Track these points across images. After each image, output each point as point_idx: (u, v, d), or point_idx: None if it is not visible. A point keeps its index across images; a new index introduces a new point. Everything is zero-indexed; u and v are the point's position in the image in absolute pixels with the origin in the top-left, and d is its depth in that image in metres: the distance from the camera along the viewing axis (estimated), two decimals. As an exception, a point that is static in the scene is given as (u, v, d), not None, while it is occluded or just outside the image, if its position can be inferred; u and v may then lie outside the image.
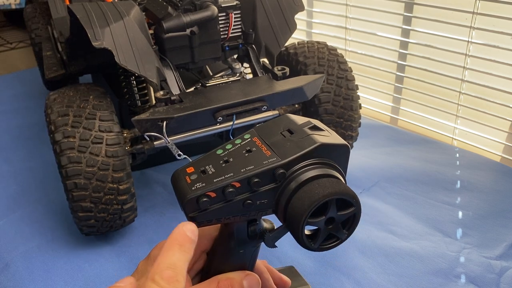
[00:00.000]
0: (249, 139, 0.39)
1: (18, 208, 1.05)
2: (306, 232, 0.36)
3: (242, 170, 0.35)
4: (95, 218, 0.84)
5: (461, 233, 0.91)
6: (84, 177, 0.79)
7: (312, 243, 0.36)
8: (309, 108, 1.02)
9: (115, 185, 0.82)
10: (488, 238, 0.89)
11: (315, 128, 0.38)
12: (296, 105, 1.03)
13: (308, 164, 0.36)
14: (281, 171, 0.35)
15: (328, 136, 0.37)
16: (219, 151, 0.38)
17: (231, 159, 0.37)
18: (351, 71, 1.04)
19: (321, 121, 0.98)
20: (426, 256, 0.84)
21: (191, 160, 0.39)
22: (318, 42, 1.08)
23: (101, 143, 0.80)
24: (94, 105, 0.83)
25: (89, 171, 0.79)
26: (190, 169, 0.37)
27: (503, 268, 0.82)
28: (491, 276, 0.80)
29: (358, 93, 1.04)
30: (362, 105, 1.07)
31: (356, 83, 1.04)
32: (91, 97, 0.85)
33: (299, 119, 0.39)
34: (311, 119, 0.39)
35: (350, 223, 0.37)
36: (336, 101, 1.00)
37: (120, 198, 0.83)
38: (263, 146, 0.38)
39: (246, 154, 0.37)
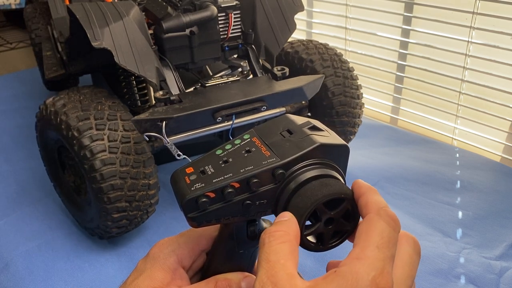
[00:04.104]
0: (249, 139, 0.39)
1: (18, 208, 1.05)
2: (312, 239, 0.36)
3: (241, 171, 0.35)
4: (127, 217, 0.84)
5: (461, 233, 0.91)
6: (119, 177, 0.79)
7: (321, 245, 0.36)
8: (321, 102, 1.04)
9: (146, 181, 0.83)
10: (488, 238, 0.89)
11: (314, 128, 0.38)
12: (303, 101, 1.03)
13: (308, 164, 0.36)
14: (280, 171, 0.35)
15: (328, 136, 0.37)
16: (219, 151, 0.38)
17: (230, 160, 0.37)
18: (348, 63, 1.08)
19: (336, 113, 1.04)
20: (426, 256, 0.84)
21: (190, 160, 0.39)
22: (309, 40, 1.12)
23: (129, 142, 0.81)
24: (109, 106, 0.84)
25: (124, 171, 0.80)
26: (189, 169, 0.37)
27: (503, 268, 0.82)
28: (491, 277, 0.80)
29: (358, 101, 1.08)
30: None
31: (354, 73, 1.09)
32: (103, 99, 0.85)
33: (299, 119, 0.39)
34: (310, 119, 0.39)
35: (351, 214, 0.36)
36: (347, 92, 1.04)
37: (150, 192, 0.85)
38: (262, 146, 0.37)
39: (246, 155, 0.37)
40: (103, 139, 0.79)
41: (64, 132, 0.80)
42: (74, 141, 0.78)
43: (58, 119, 0.81)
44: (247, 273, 0.40)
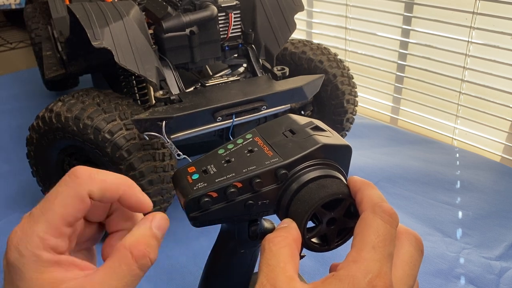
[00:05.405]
0: (251, 139, 0.39)
1: (18, 208, 1.05)
2: (316, 240, 0.36)
3: (244, 170, 0.35)
4: (159, 210, 0.87)
5: (461, 233, 0.91)
6: (155, 172, 0.82)
7: (326, 245, 0.36)
8: (329, 101, 1.08)
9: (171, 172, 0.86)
10: (488, 238, 0.89)
11: (317, 128, 0.38)
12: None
13: (310, 164, 0.36)
14: (283, 171, 0.35)
15: (330, 136, 0.37)
16: (221, 151, 0.38)
17: (232, 159, 0.37)
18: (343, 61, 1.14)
19: (346, 112, 1.08)
20: (426, 256, 0.84)
21: (190, 160, 0.39)
22: (308, 40, 1.15)
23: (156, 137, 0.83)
24: (127, 105, 0.84)
25: (158, 165, 0.82)
26: (191, 169, 0.37)
27: (503, 268, 0.82)
28: (491, 277, 0.80)
29: (356, 90, 1.12)
30: (362, 105, 1.09)
31: (354, 81, 1.12)
32: (118, 99, 0.85)
33: (301, 119, 0.39)
34: (313, 119, 0.39)
35: (353, 211, 0.36)
36: (352, 91, 1.09)
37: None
38: (265, 146, 0.37)
39: (248, 154, 0.37)
40: (135, 138, 0.80)
41: (92, 136, 0.78)
42: (107, 144, 0.78)
43: (81, 124, 0.79)
44: (149, 216, 0.33)
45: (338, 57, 1.11)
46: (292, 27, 0.98)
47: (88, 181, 0.30)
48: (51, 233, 0.29)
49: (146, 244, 0.30)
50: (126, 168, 0.79)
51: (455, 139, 1.31)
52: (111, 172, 0.32)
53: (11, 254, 0.29)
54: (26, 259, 0.28)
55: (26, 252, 0.28)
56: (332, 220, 0.36)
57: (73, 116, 0.80)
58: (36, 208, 0.30)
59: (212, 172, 0.36)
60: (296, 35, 1.67)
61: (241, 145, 0.38)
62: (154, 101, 1.01)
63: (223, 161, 0.37)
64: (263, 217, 0.42)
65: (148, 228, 0.32)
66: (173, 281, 0.81)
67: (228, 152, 0.38)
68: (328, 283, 0.29)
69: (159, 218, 0.33)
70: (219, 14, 0.88)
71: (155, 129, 0.75)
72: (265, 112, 0.86)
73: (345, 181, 0.37)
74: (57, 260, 0.29)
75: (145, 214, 0.34)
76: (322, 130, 0.38)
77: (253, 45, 0.96)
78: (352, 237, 0.36)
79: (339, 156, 0.37)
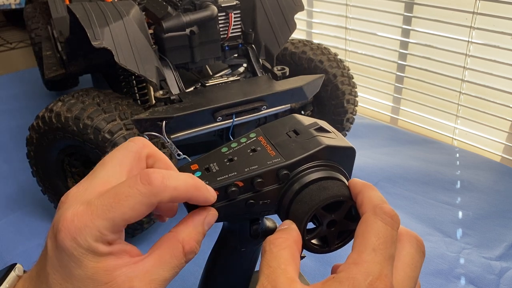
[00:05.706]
0: (255, 138, 0.39)
1: (18, 208, 1.05)
2: (316, 242, 0.36)
3: (246, 170, 0.35)
4: None
5: (461, 233, 0.91)
6: None
7: (327, 247, 0.36)
8: (330, 101, 1.08)
9: None
10: (488, 239, 0.89)
11: (321, 129, 0.38)
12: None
13: (313, 166, 0.36)
14: (285, 172, 0.35)
15: (334, 138, 0.37)
16: (224, 149, 0.38)
17: (235, 158, 0.37)
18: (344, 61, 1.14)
19: (346, 112, 1.08)
20: (426, 256, 0.84)
21: (190, 160, 0.39)
22: (308, 40, 1.15)
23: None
24: (127, 105, 0.84)
25: None
26: (194, 166, 0.37)
27: (503, 268, 0.82)
28: (491, 277, 0.80)
29: (356, 90, 1.12)
30: (362, 105, 1.09)
31: (354, 81, 1.12)
32: (118, 99, 0.85)
33: (306, 120, 0.39)
34: (317, 120, 0.39)
35: (354, 213, 0.36)
36: (352, 91, 1.09)
37: None
38: (268, 146, 0.37)
39: (251, 154, 0.37)
40: None
41: (92, 136, 0.78)
42: (107, 143, 0.78)
43: (81, 124, 0.79)
44: (200, 212, 0.35)
45: (338, 57, 1.11)
46: (292, 27, 0.98)
47: (161, 190, 0.30)
48: (112, 230, 0.30)
49: (197, 241, 0.33)
50: None
51: (455, 139, 1.31)
52: (179, 175, 0.32)
53: (67, 242, 0.29)
54: (83, 250, 0.29)
55: (84, 243, 0.29)
56: (333, 222, 0.36)
57: (73, 116, 0.80)
58: (100, 200, 0.30)
59: (214, 170, 0.36)
60: (296, 35, 1.66)
61: (244, 144, 0.38)
62: (154, 101, 1.01)
63: (225, 160, 0.37)
64: (265, 216, 0.42)
65: (201, 224, 0.34)
66: (173, 281, 0.81)
67: (231, 150, 0.38)
68: (328, 285, 0.29)
69: (211, 216, 0.35)
70: (219, 14, 0.88)
71: (155, 129, 0.75)
72: (265, 112, 0.86)
73: (347, 183, 0.37)
74: (111, 250, 0.30)
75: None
76: (326, 131, 0.38)
77: (253, 45, 0.96)
78: (352, 239, 0.36)
79: (343, 158, 0.37)
